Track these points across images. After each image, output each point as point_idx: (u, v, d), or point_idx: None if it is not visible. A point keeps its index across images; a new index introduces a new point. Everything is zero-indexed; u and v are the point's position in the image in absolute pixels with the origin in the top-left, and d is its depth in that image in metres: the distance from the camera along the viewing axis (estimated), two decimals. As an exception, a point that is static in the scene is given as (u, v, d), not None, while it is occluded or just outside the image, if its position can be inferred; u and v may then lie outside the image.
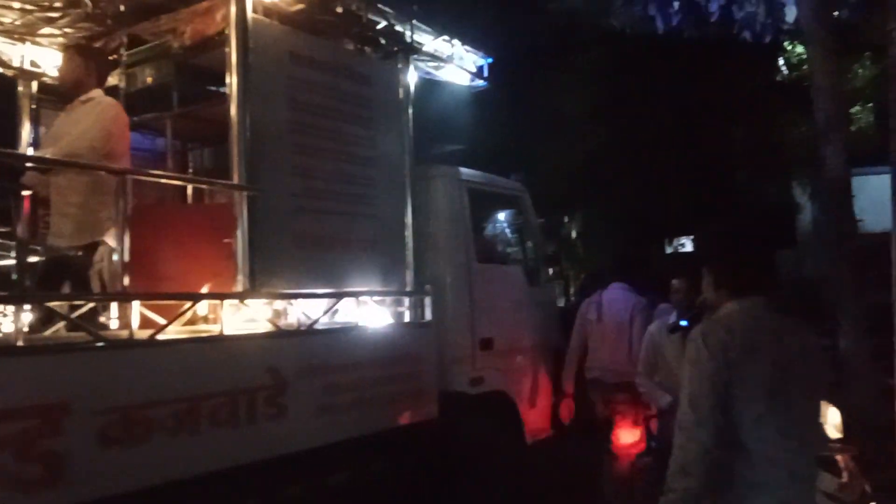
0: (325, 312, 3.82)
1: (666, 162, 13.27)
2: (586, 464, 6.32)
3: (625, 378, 4.94)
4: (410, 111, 4.51)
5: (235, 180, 3.54)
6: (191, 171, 5.16)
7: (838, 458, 3.32)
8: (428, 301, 4.42)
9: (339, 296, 3.92)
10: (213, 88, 4.40)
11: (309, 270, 3.77)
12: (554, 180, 17.11)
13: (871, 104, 15.33)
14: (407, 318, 4.40)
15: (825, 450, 3.22)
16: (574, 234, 30.89)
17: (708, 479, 2.06)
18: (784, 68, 14.89)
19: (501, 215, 5.42)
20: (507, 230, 5.43)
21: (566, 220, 29.94)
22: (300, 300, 3.78)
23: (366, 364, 3.92)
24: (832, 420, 3.51)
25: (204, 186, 4.41)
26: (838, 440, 3.43)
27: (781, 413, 2.09)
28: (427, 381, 4.35)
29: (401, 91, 4.49)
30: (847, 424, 4.11)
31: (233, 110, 3.57)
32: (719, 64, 12.47)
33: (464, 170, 5.04)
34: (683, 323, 2.95)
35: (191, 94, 4.42)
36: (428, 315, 4.42)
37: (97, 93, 3.91)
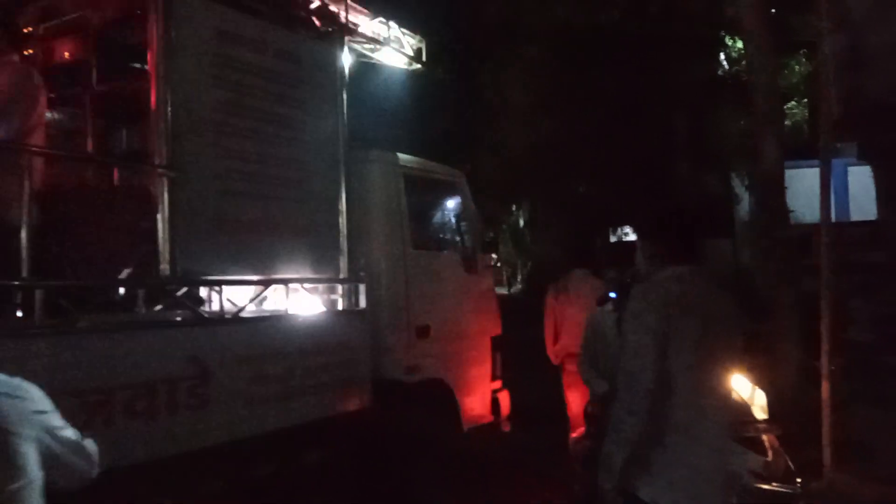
0: (252, 300, 3.70)
1: (610, 152, 13.42)
2: (528, 449, 6.39)
3: None
4: (345, 94, 4.39)
5: (157, 162, 3.38)
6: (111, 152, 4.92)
7: (764, 437, 3.40)
8: (362, 288, 4.34)
9: (267, 283, 3.80)
10: (137, 66, 4.20)
11: (235, 256, 3.64)
12: (501, 170, 17.19)
13: (805, 100, 15.84)
14: (340, 306, 4.30)
15: (734, 415, 3.36)
16: (522, 223, 31.18)
17: (648, 418, 2.30)
18: (725, 63, 15.22)
19: (439, 202, 5.34)
20: (445, 217, 5.36)
21: (514, 209, 30.19)
22: (225, 287, 3.65)
23: (295, 353, 3.82)
24: (759, 401, 3.58)
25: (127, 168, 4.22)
26: (764, 420, 3.50)
27: (704, 365, 2.38)
28: (361, 369, 4.27)
29: (335, 73, 4.37)
30: (772, 405, 4.22)
31: (154, 88, 3.40)
32: (662, 56, 12.66)
33: (400, 155, 4.95)
34: (612, 294, 3.01)
35: (112, 71, 4.20)
36: (362, 302, 4.34)
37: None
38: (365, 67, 5.49)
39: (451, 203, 5.40)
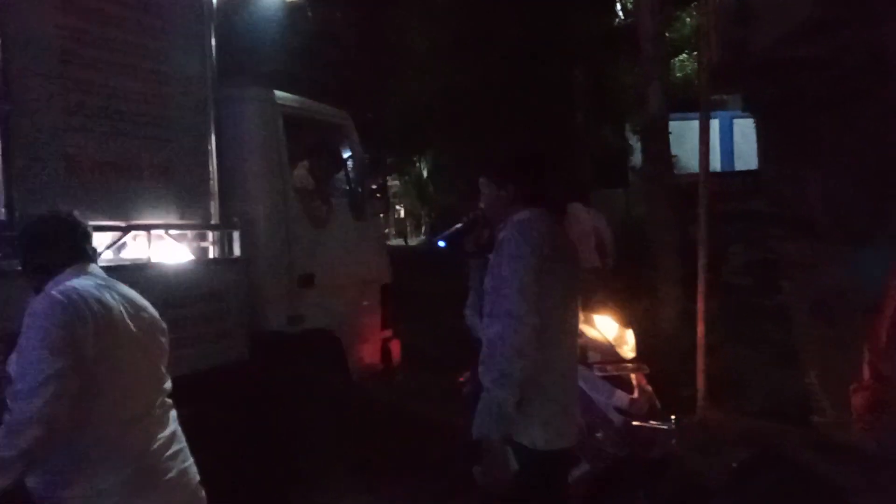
0: (108, 247, 3.39)
1: (508, 103, 13.40)
2: (422, 396, 6.39)
3: None
4: (213, 24, 4.04)
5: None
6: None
7: (631, 376, 3.47)
8: (236, 235, 4.08)
9: (125, 229, 3.49)
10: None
11: (87, 199, 3.30)
12: (403, 118, 16.91)
13: (696, 53, 16.28)
14: (212, 254, 4.04)
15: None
16: (425, 174, 31.03)
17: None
18: (621, 14, 15.40)
19: (323, 144, 5.07)
20: (330, 160, 5.11)
21: (418, 160, 29.95)
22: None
23: (159, 305, 3.54)
24: (629, 341, 3.65)
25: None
26: (631, 360, 3.57)
27: (569, 305, 2.46)
28: (236, 321, 4.05)
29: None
30: (652, 345, 4.33)
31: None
32: (560, 5, 12.64)
33: (279, 93, 4.64)
34: (441, 244, 2.95)
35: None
36: (237, 250, 4.09)
37: None
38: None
39: (337, 146, 5.16)
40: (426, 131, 17.91)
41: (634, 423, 3.26)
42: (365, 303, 5.35)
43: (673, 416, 3.56)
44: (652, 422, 3.40)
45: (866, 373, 2.12)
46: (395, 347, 5.63)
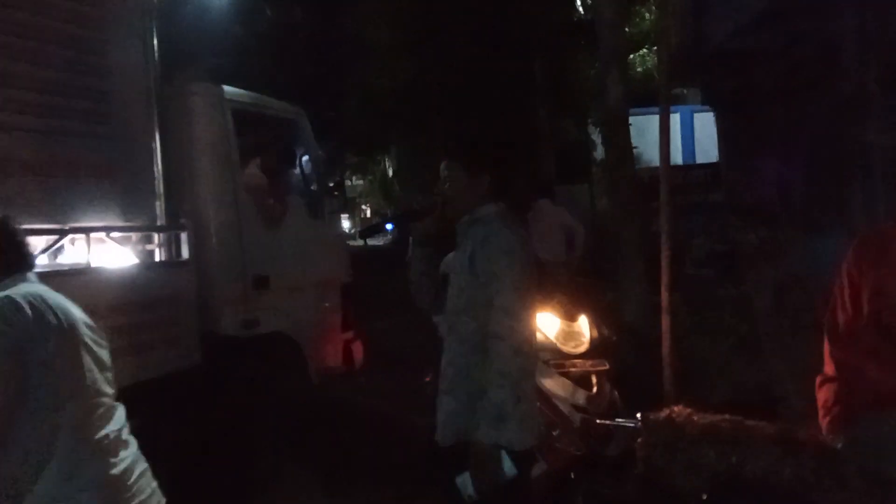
0: (44, 252, 3.20)
1: (469, 98, 13.32)
2: (385, 395, 6.27)
3: None
4: (155, 16, 3.85)
5: None
6: None
7: (591, 373, 3.40)
8: (185, 237, 3.90)
9: (62, 232, 3.29)
10: None
11: (17, 202, 3.10)
12: (366, 116, 16.71)
13: (655, 48, 16.42)
14: (158, 257, 3.86)
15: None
16: (391, 173, 30.87)
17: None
18: (581, 8, 15.43)
19: (276, 141, 4.91)
20: (284, 157, 4.94)
21: (384, 159, 29.74)
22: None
23: (102, 312, 3.36)
24: (582, 332, 3.58)
25: None
26: (590, 356, 3.49)
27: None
28: (186, 326, 3.88)
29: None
30: (616, 339, 4.27)
31: None
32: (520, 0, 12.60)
33: (228, 88, 4.46)
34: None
35: None
36: (185, 252, 3.91)
37: None
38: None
39: (291, 142, 5.00)
40: (388, 129, 17.74)
41: (598, 420, 3.19)
42: (324, 304, 5.20)
43: (638, 414, 3.49)
44: (618, 419, 3.33)
45: (828, 365, 2.07)
46: (358, 348, 5.49)
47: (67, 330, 1.93)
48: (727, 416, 2.88)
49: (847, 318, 1.98)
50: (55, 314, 1.91)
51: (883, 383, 1.89)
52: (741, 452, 2.52)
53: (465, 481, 2.19)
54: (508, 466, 2.17)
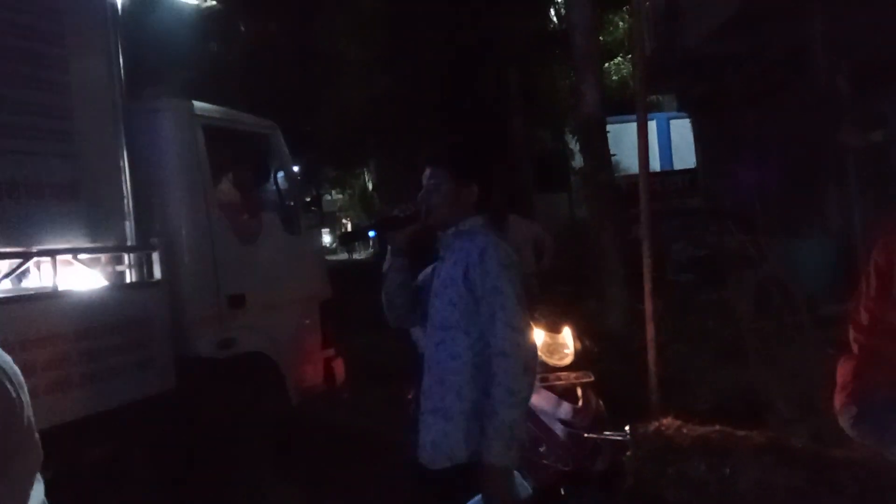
0: (7, 276, 3.08)
1: (445, 110, 13.30)
2: (368, 413, 6.15)
3: None
4: (119, 31, 3.75)
5: None
6: None
7: (576, 385, 3.32)
8: (156, 257, 3.79)
9: (25, 255, 3.17)
10: None
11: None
12: (343, 130, 16.62)
13: (630, 56, 16.55)
14: (129, 278, 3.74)
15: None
16: (371, 187, 30.76)
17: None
18: (554, 18, 15.52)
19: (249, 156, 4.80)
20: (257, 173, 4.84)
21: (359, 173, 29.60)
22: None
23: (70, 336, 3.25)
24: (565, 344, 3.51)
25: None
26: (572, 366, 3.41)
27: None
28: (160, 348, 3.75)
29: (103, 2, 3.70)
30: (600, 350, 4.19)
31: None
32: (494, 11, 12.61)
33: (198, 104, 4.36)
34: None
35: None
36: (157, 273, 3.80)
37: None
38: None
39: (264, 157, 4.90)
40: (364, 142, 17.66)
41: (585, 434, 3.11)
42: (303, 321, 5.09)
43: (627, 426, 3.42)
44: (606, 432, 3.25)
45: (854, 349, 2.06)
46: (339, 366, 5.37)
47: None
48: (717, 427, 2.83)
49: (871, 305, 1.98)
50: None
51: None
52: (733, 463, 2.46)
53: None
54: (522, 486, 2.10)
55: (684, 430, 2.84)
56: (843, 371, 2.00)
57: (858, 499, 2.25)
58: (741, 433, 2.71)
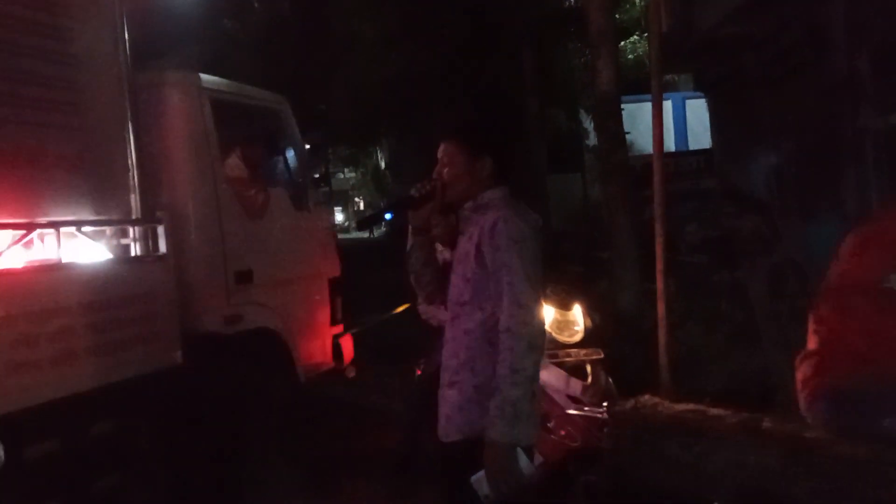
0: (11, 246, 3.06)
1: (459, 89, 13.18)
2: (378, 391, 6.17)
3: None
4: (122, 2, 3.69)
5: None
6: None
7: (587, 363, 3.30)
8: (161, 230, 3.76)
9: (30, 227, 3.15)
10: None
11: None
12: (356, 109, 16.54)
13: (646, 34, 16.28)
14: (134, 252, 3.72)
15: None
16: (383, 166, 30.70)
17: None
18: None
19: (258, 131, 4.76)
20: (266, 147, 4.79)
21: (376, 152, 29.54)
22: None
23: (74, 309, 3.24)
24: (576, 321, 3.48)
25: None
26: (583, 346, 3.38)
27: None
28: (165, 323, 3.74)
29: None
30: (613, 328, 4.15)
31: None
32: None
33: (206, 77, 4.31)
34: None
35: None
36: (162, 247, 3.77)
37: None
38: None
39: (273, 132, 4.85)
40: (378, 121, 17.58)
41: (572, 412, 3.08)
42: (311, 298, 5.07)
43: (605, 403, 3.39)
44: (586, 409, 3.22)
45: (811, 339, 2.03)
46: (347, 343, 5.36)
47: None
48: (692, 406, 2.81)
49: (842, 276, 1.96)
50: None
51: (863, 339, 1.87)
52: (705, 443, 2.44)
53: (480, 480, 2.08)
54: (525, 463, 2.08)
55: (660, 409, 2.82)
56: (802, 370, 1.98)
57: (833, 478, 2.21)
58: (716, 412, 2.69)
